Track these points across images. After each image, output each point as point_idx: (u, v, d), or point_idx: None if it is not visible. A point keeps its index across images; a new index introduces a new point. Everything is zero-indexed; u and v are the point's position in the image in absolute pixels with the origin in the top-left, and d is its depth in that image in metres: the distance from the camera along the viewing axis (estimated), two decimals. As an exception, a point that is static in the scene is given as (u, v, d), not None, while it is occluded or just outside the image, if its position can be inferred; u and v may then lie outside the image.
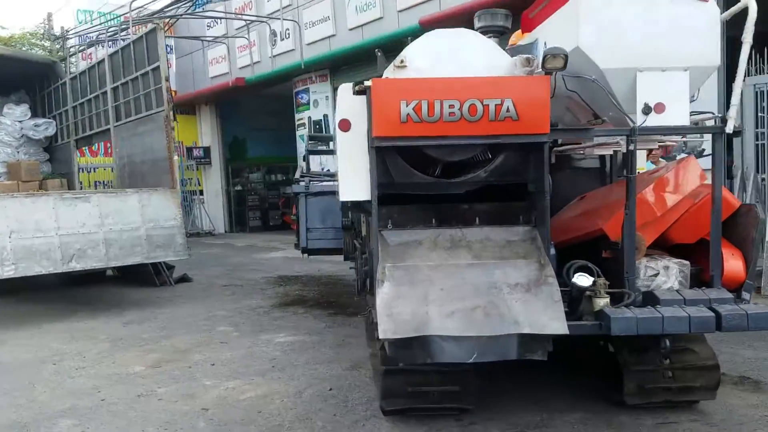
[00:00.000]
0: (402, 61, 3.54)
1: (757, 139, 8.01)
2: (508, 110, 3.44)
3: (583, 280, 3.46)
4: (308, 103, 19.15)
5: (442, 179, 3.76)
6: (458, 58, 3.60)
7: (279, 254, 15.04)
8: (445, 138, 3.48)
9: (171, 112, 8.53)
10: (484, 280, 3.54)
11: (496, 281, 3.54)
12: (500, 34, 4.91)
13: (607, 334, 3.44)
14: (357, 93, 3.56)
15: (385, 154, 3.61)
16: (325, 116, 18.76)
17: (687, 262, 3.82)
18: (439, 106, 3.42)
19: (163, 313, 8.10)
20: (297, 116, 19.57)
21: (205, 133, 23.43)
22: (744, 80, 7.70)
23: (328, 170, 8.35)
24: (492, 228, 3.77)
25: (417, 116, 3.42)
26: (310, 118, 19.09)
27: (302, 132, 19.40)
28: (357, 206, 4.98)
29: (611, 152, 4.73)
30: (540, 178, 3.64)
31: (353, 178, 3.61)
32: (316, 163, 18.81)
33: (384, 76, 3.60)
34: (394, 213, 3.72)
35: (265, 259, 14.32)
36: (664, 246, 4.07)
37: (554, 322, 3.38)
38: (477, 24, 4.91)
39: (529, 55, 3.55)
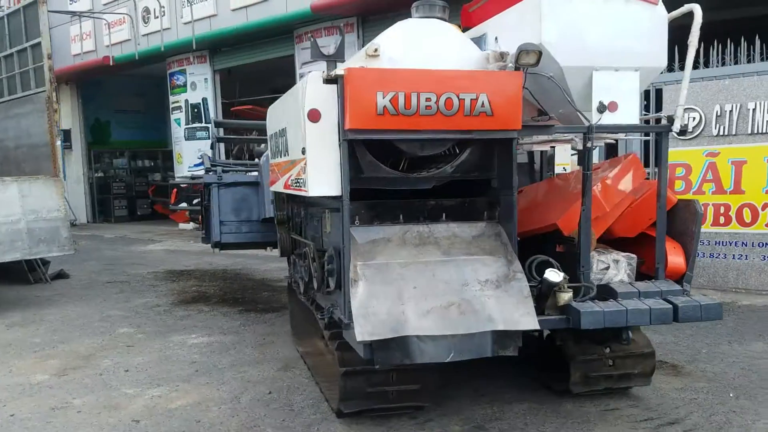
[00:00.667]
0: (376, 50, 3.39)
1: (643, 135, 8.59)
2: (483, 105, 3.39)
3: (553, 276, 3.50)
4: (185, 85, 18.24)
5: (410, 174, 3.66)
6: (430, 49, 3.50)
7: (158, 247, 14.25)
8: (422, 132, 3.38)
9: (54, 93, 7.72)
10: (456, 277, 3.49)
11: (467, 278, 3.50)
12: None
13: (576, 328, 3.51)
14: (327, 81, 3.36)
15: (355, 148, 3.44)
16: (204, 100, 17.97)
17: (634, 256, 3.98)
18: (416, 99, 3.30)
19: (49, 314, 7.36)
20: (172, 99, 18.59)
21: (65, 115, 21.61)
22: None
23: (204, 154, 7.87)
24: (458, 224, 3.73)
25: (394, 109, 3.28)
26: (187, 101, 18.23)
27: (178, 116, 18.48)
28: (293, 198, 4.75)
29: (548, 148, 4.85)
30: (507, 173, 3.63)
31: (322, 171, 3.40)
32: (195, 151, 18.03)
33: (358, 65, 3.42)
34: (361, 209, 3.57)
35: (143, 252, 13.51)
36: (606, 240, 4.23)
37: (526, 318, 3.40)
38: (414, 14, 4.82)
39: (503, 50, 3.53)
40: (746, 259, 7.51)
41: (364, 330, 3.21)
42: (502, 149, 3.64)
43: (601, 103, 3.80)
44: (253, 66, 17.42)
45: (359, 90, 3.25)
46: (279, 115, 4.42)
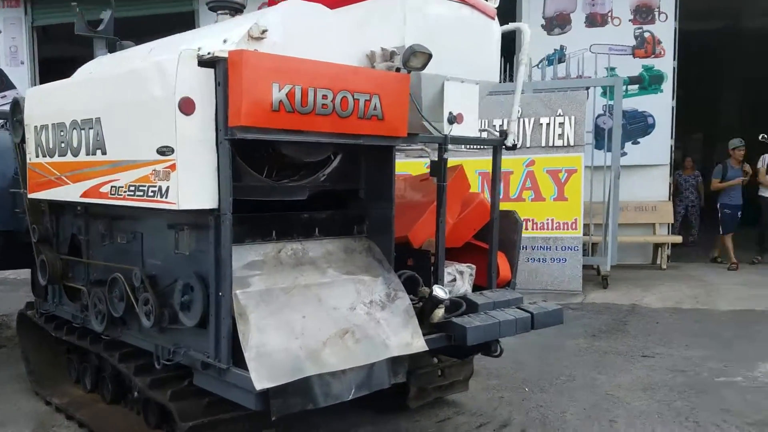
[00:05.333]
0: (263, 32, 2.75)
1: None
2: (375, 108, 3.04)
3: (441, 292, 3.30)
4: None
5: (285, 183, 3.10)
6: (314, 39, 2.99)
7: None
8: (315, 134, 2.87)
9: None
10: (342, 300, 3.07)
11: (352, 301, 3.10)
12: (236, 12, 4.28)
13: (461, 345, 3.36)
14: (203, 64, 2.64)
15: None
16: None
17: (474, 266, 4.02)
18: (312, 95, 2.79)
19: None
20: None
21: None
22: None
23: None
24: (330, 239, 3.29)
25: (290, 105, 2.72)
26: None
27: None
28: (83, 211, 3.68)
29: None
30: (386, 184, 3.33)
31: (196, 178, 2.64)
32: None
33: (236, 47, 2.71)
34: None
35: None
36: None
37: (416, 340, 3.15)
38: (211, -1, 4.18)
39: (393, 49, 3.19)
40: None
41: (260, 375, 2.61)
42: (380, 157, 3.33)
43: (451, 113, 3.74)
44: None
45: (253, 78, 2.62)
46: (73, 99, 3.36)
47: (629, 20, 10.09)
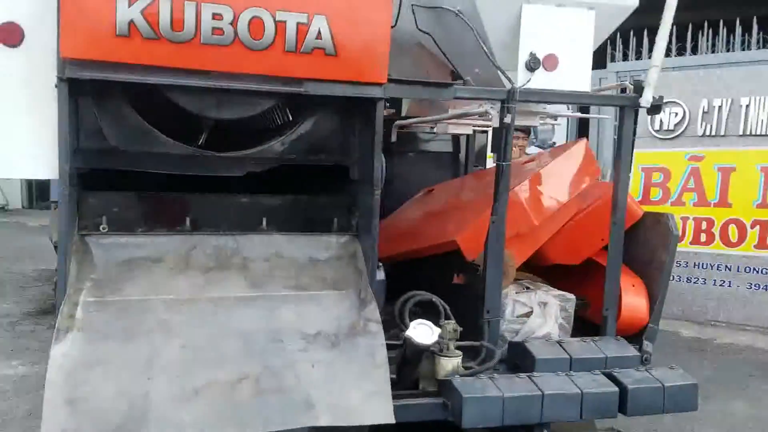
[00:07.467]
0: None
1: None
2: (319, 35, 1.98)
3: (423, 333, 2.07)
4: None
5: (208, 151, 2.20)
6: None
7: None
8: (205, 76, 1.94)
9: None
10: (263, 326, 2.07)
11: (281, 328, 2.07)
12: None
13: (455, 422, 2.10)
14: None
15: (97, 96, 2.02)
16: None
17: (572, 296, 2.59)
18: (193, 13, 1.87)
19: None
20: None
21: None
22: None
23: None
24: (288, 237, 2.29)
25: (150, 28, 1.85)
26: None
27: None
28: None
29: (469, 131, 3.45)
30: (366, 158, 2.21)
31: (26, 136, 1.97)
32: None
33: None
34: (112, 205, 2.12)
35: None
36: (536, 268, 2.85)
37: (373, 404, 1.99)
38: None
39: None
40: (729, 286, 6.14)
41: (53, 428, 1.79)
42: (362, 118, 2.22)
43: (532, 54, 2.42)
44: None
45: (83, -10, 1.81)
46: None
47: None
